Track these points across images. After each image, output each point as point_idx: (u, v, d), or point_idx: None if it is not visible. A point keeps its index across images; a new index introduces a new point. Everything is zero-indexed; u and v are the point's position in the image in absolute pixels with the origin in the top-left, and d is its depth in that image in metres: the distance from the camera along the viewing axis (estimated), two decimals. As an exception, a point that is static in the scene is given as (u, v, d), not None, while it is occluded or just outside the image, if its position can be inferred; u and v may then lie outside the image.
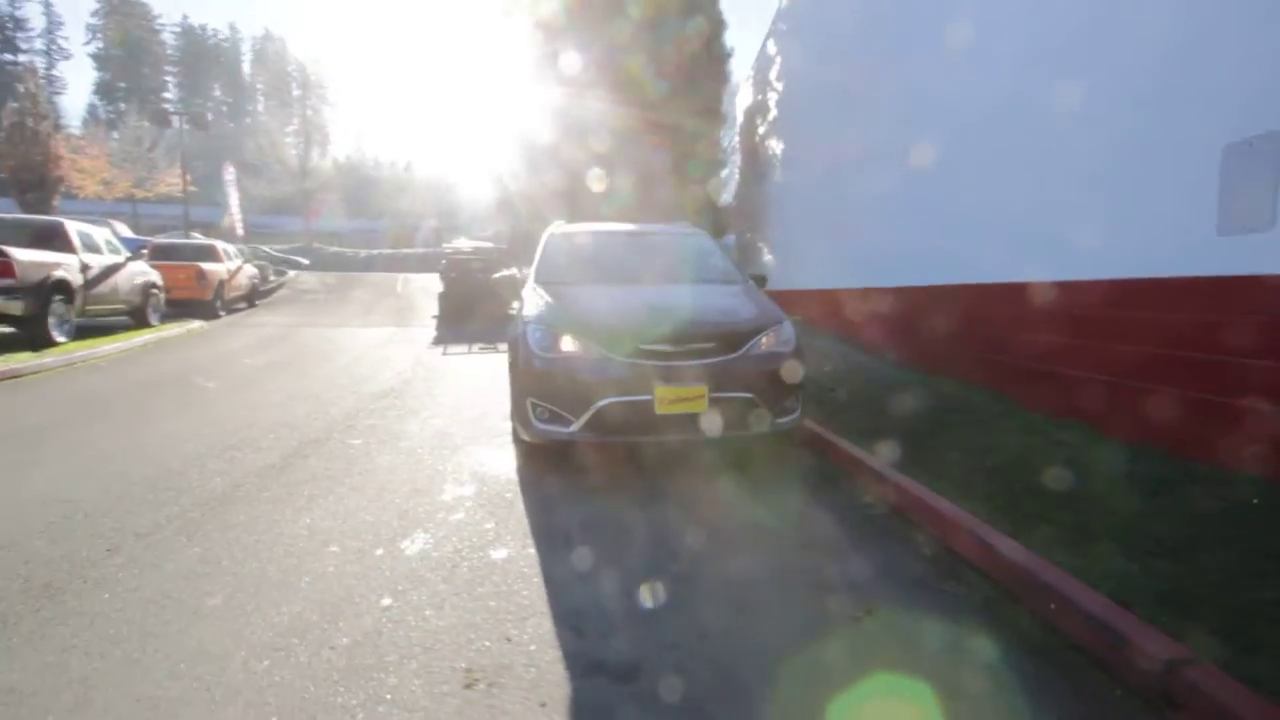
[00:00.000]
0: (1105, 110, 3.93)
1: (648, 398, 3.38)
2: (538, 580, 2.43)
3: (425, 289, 21.39)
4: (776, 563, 2.62)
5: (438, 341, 10.72)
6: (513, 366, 3.77)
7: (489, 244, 18.92)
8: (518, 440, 3.95)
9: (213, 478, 3.56)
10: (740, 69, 16.33)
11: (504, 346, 10.11)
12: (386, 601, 2.25)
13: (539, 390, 3.55)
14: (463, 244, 17.53)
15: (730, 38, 15.64)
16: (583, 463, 3.82)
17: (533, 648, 1.97)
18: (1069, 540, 2.36)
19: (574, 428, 3.47)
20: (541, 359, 3.58)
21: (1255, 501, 2.55)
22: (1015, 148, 4.93)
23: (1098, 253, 3.92)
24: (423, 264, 33.79)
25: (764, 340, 3.60)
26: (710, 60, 14.94)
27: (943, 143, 6.18)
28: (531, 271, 4.59)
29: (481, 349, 9.86)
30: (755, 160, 15.23)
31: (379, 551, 2.67)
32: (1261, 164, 2.78)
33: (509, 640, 2.01)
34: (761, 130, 14.82)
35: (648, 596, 2.27)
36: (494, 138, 18.33)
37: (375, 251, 36.71)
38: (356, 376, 7.01)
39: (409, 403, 5.68)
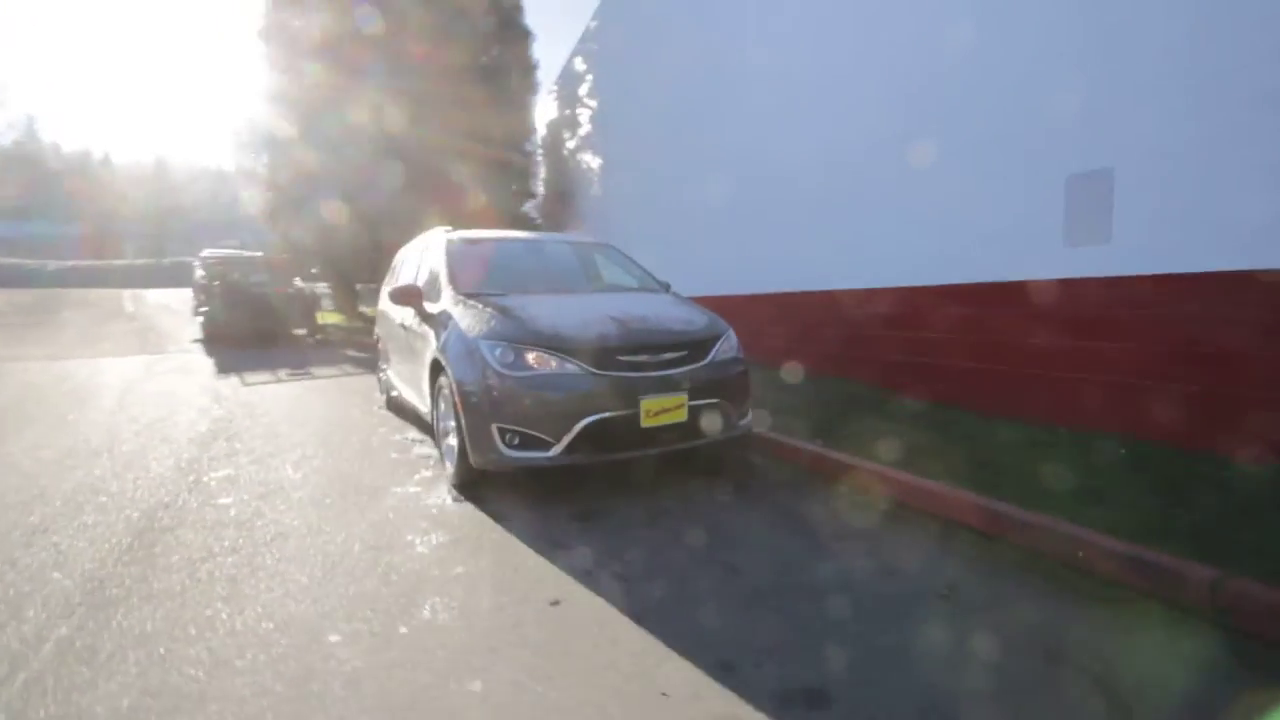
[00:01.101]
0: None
1: (633, 411, 3.19)
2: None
3: (168, 307, 17.64)
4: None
5: (224, 370, 8.88)
6: (463, 391, 3.26)
7: (251, 252, 16.27)
8: (467, 470, 3.41)
9: (49, 580, 2.49)
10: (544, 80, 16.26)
11: (319, 371, 8.88)
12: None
13: (507, 413, 3.13)
14: (227, 252, 14.80)
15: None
16: (552, 484, 3.47)
17: None
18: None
19: (555, 451, 3.13)
20: (508, 378, 3.16)
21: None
22: (883, 183, 5.70)
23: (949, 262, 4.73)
24: (151, 277, 27.70)
25: (722, 346, 3.64)
26: (519, 72, 14.68)
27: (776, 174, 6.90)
28: (444, 281, 4.04)
29: (291, 375, 8.41)
30: (563, 173, 15.35)
31: (402, 630, 2.12)
32: (1100, 192, 3.62)
33: None
34: (571, 144, 14.99)
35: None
36: (254, 133, 15.75)
37: (70, 263, 29.24)
38: (147, 420, 5.48)
39: (254, 444, 4.61)
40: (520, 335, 3.29)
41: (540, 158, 16.07)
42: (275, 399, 6.70)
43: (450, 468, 3.60)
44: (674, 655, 1.93)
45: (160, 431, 5.01)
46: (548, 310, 3.57)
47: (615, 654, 1.95)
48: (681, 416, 3.33)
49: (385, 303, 5.69)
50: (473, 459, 3.29)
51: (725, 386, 3.52)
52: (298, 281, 13.88)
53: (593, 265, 4.74)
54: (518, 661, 1.91)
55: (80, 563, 2.62)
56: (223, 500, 3.41)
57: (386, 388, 5.78)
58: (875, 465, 3.48)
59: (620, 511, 3.20)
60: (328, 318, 15.26)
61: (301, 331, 13.95)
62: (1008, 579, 2.45)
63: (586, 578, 2.47)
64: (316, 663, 1.92)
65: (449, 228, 4.89)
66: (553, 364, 3.18)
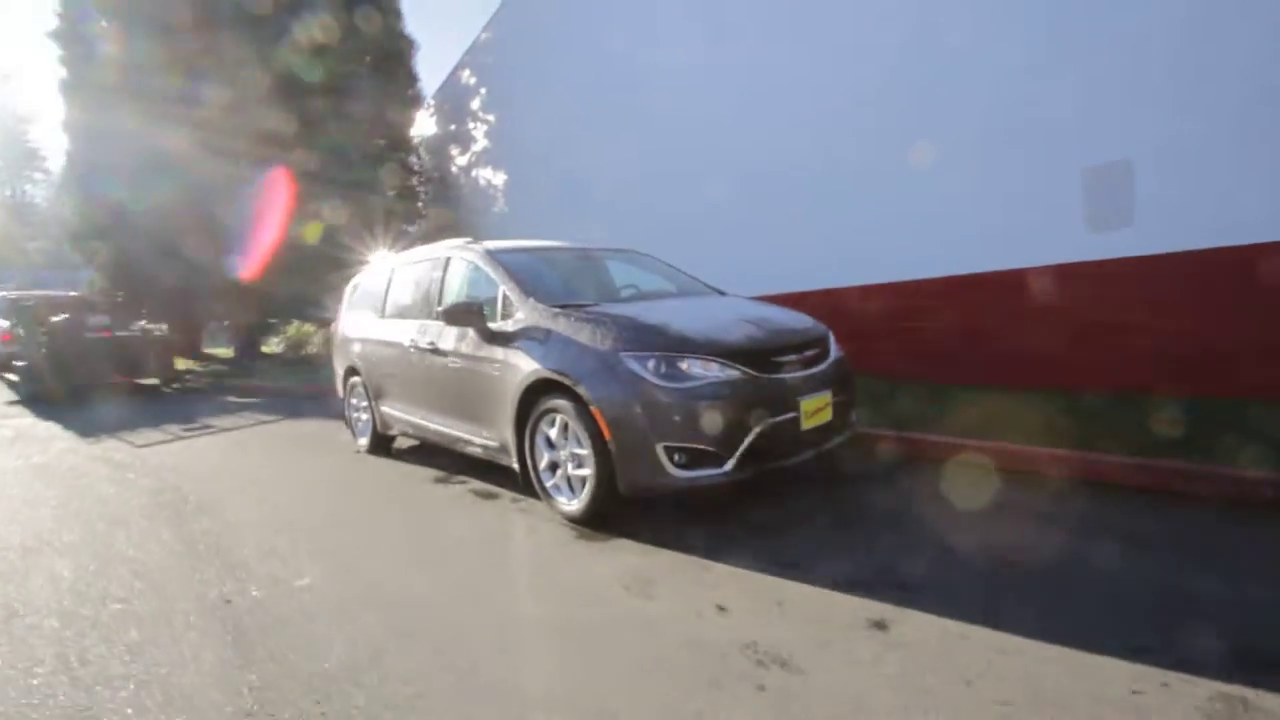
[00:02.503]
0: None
1: (795, 414, 3.01)
2: None
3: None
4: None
5: (85, 433, 7.16)
6: (611, 412, 2.81)
7: (68, 292, 13.56)
8: (604, 499, 2.98)
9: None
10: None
11: (218, 423, 7.41)
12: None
13: (675, 430, 2.78)
14: (42, 294, 12.10)
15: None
16: (662, 510, 3.12)
17: None
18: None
19: (729, 465, 2.83)
20: (672, 391, 2.81)
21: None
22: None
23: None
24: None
25: (833, 343, 3.57)
26: (401, 80, 13.63)
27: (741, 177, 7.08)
28: (515, 294, 3.54)
29: (187, 430, 6.99)
30: (450, 192, 14.51)
31: None
32: (1120, 180, 4.11)
33: None
34: (463, 160, 14.24)
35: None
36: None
37: None
38: (77, 508, 4.22)
39: (251, 538, 3.71)
40: (670, 344, 2.96)
41: (419, 178, 14.97)
42: (201, 460, 5.48)
43: (571, 502, 3.14)
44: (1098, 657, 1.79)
45: (79, 527, 3.86)
46: (672, 316, 3.26)
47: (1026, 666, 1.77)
48: (828, 416, 3.21)
49: (374, 331, 4.91)
50: (624, 485, 2.89)
51: (845, 383, 3.45)
52: (144, 323, 11.65)
53: (651, 271, 4.44)
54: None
55: None
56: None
57: (381, 427, 4.97)
58: (986, 442, 3.59)
59: (785, 520, 2.98)
60: (178, 363, 12.91)
61: (152, 381, 11.72)
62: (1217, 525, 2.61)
63: (871, 591, 2.24)
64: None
65: (469, 239, 4.34)
66: (715, 370, 2.90)
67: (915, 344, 5.52)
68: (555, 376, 3.08)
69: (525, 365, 3.27)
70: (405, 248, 13.95)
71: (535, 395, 3.27)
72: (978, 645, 1.87)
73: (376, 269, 5.35)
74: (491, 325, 3.58)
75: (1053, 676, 1.70)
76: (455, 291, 4.15)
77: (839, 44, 6.40)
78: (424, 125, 15.05)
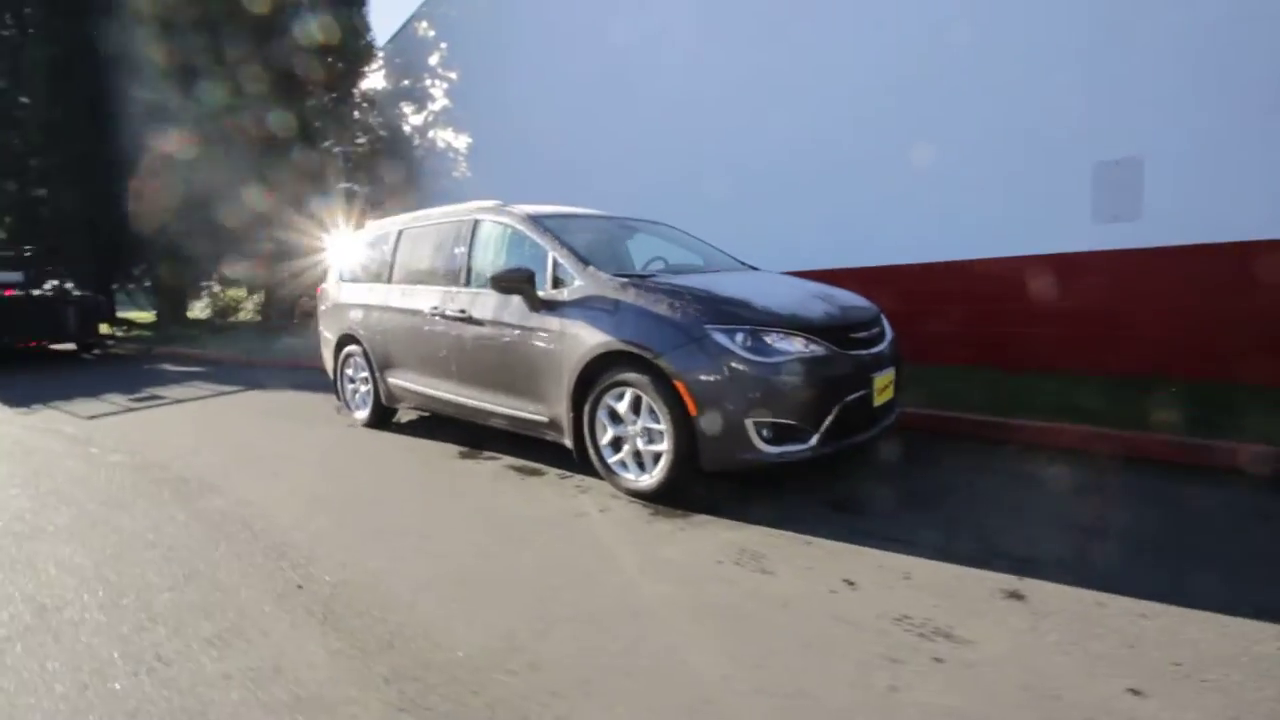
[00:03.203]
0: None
1: (868, 390, 3.03)
2: None
3: None
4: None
5: (14, 403, 6.43)
6: (697, 386, 2.73)
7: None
8: (681, 475, 2.92)
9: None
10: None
11: (168, 393, 6.74)
12: None
13: (765, 405, 2.74)
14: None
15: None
16: (726, 487, 3.09)
17: None
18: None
19: (814, 440, 2.82)
20: (763, 365, 2.75)
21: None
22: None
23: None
24: None
25: (886, 323, 3.62)
26: (349, 26, 12.63)
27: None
28: (568, 262, 3.37)
29: (136, 401, 6.37)
30: (402, 150, 13.73)
31: None
32: (1129, 176, 4.34)
33: None
34: (418, 120, 13.48)
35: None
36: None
37: None
38: (14, 487, 3.75)
39: (283, 518, 3.41)
40: (756, 318, 2.89)
41: (361, 134, 14.02)
42: (174, 433, 5.01)
43: (641, 478, 3.05)
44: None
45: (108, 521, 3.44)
46: (746, 290, 3.19)
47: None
48: (891, 394, 3.26)
49: (380, 297, 4.58)
50: (708, 461, 2.83)
51: (899, 362, 3.51)
52: (57, 283, 10.46)
53: (689, 243, 4.32)
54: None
55: None
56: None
57: (386, 399, 4.66)
58: (1036, 422, 3.72)
59: (860, 495, 3.00)
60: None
61: (68, 346, 10.60)
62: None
63: (984, 563, 2.28)
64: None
65: (498, 201, 4.09)
66: (801, 346, 2.86)
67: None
68: (631, 349, 2.96)
69: (590, 337, 3.13)
70: (356, 210, 13.17)
71: (599, 368, 3.14)
72: (1119, 611, 1.95)
73: (376, 231, 4.98)
74: (541, 294, 3.40)
75: (1203, 638, 1.80)
76: (488, 257, 3.92)
77: (836, 30, 6.41)
78: (373, 79, 14.11)
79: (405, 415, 5.11)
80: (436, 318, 4.02)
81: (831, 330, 3.00)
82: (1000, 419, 3.87)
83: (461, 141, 12.34)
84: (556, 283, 3.41)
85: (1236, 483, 3.04)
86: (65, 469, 4.05)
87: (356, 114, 13.06)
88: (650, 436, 3.02)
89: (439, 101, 12.88)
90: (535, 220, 3.70)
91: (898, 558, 2.37)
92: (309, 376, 7.72)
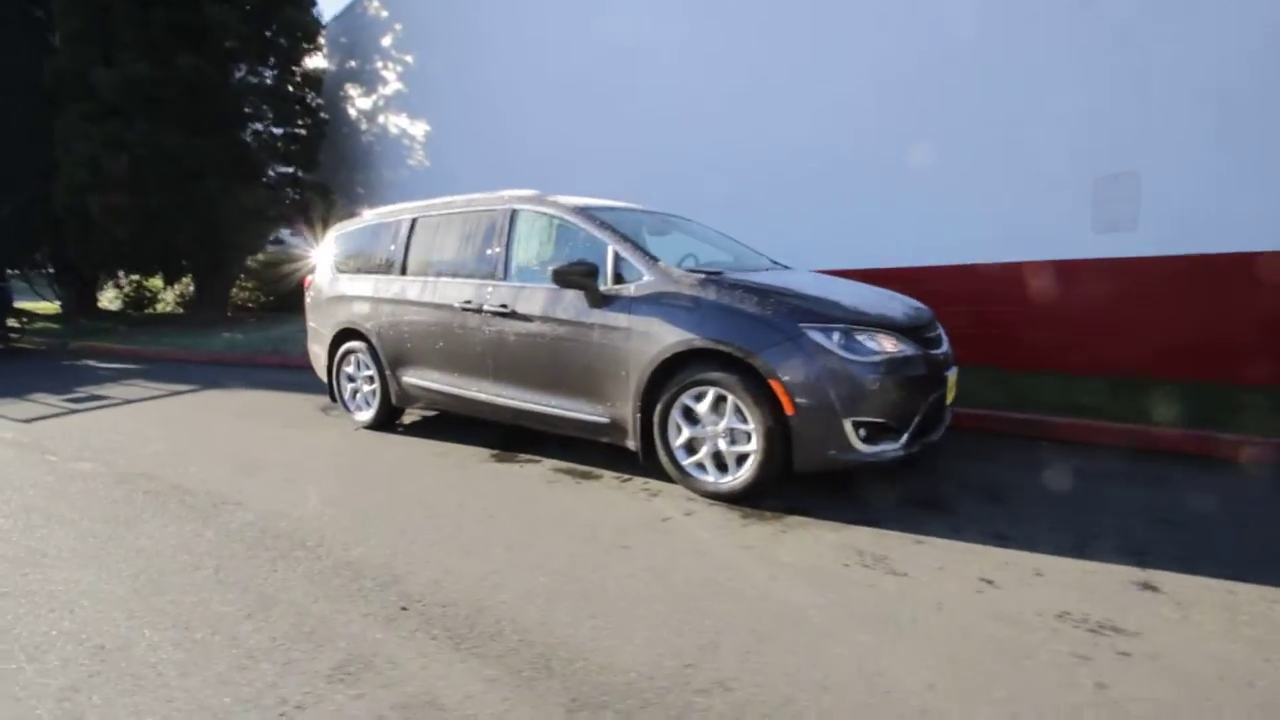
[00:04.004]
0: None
1: (944, 390, 3.07)
2: None
3: None
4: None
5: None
6: (794, 386, 2.67)
7: None
8: (767, 478, 2.85)
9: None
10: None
11: (111, 395, 5.99)
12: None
13: (863, 404, 2.70)
14: None
15: None
16: (789, 489, 3.06)
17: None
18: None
19: (904, 440, 2.83)
20: (861, 364, 2.72)
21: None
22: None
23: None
24: None
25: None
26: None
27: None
28: (631, 256, 3.22)
29: (75, 403, 5.68)
30: (346, 140, 12.99)
31: None
32: (1126, 189, 4.64)
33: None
34: (366, 104, 12.78)
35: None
36: None
37: None
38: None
39: (333, 534, 3.09)
40: (848, 317, 2.86)
41: (305, 116, 13.12)
42: (142, 438, 4.47)
43: (722, 479, 2.96)
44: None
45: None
46: (821, 289, 3.16)
47: None
48: (955, 392, 3.33)
49: (393, 290, 4.25)
50: (803, 461, 2.77)
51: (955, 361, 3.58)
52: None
53: (699, 241, 4.23)
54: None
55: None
56: None
57: (397, 399, 4.34)
58: (1081, 420, 3.88)
59: (944, 492, 3.04)
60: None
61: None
62: None
63: (1103, 556, 2.32)
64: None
65: (535, 191, 3.88)
66: (890, 345, 2.86)
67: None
68: (719, 347, 2.87)
69: (667, 335, 3.01)
70: (298, 195, 12.25)
71: (675, 368, 3.03)
72: (1254, 598, 2.05)
73: (378, 219, 4.64)
74: (603, 289, 3.25)
75: (1343, 622, 1.92)
76: (532, 249, 3.72)
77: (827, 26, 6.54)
78: (315, 59, 13.20)
79: (407, 416, 4.79)
80: (470, 313, 3.77)
81: (912, 330, 3.02)
82: (1046, 417, 4.01)
83: (419, 128, 11.77)
84: (620, 278, 3.26)
85: (1253, 474, 3.30)
86: (30, 480, 3.52)
87: (298, 92, 12.15)
88: (733, 437, 2.94)
89: (391, 85, 12.23)
90: (587, 212, 3.53)
91: (1016, 554, 2.41)
92: (270, 374, 7.14)
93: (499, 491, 3.25)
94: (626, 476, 3.39)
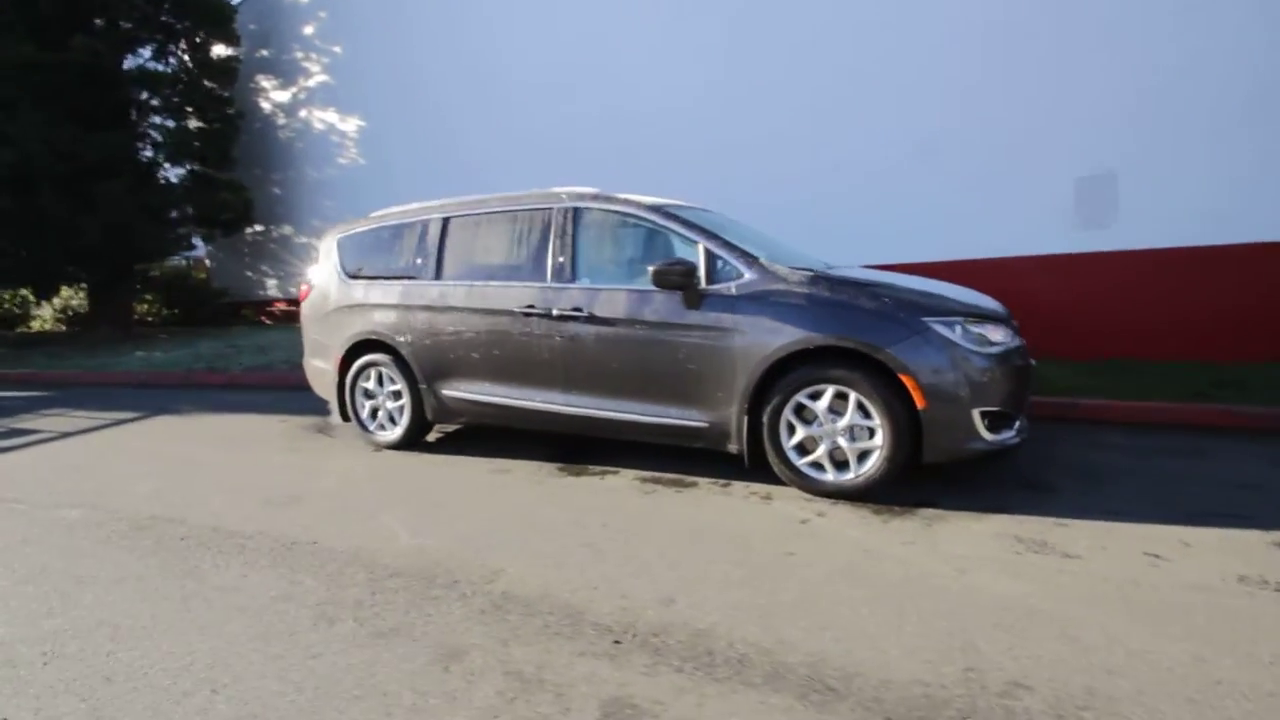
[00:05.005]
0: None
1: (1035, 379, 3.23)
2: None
3: None
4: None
5: None
6: (926, 380, 2.70)
7: None
8: (894, 470, 2.85)
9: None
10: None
11: (38, 428, 5.04)
12: None
13: (986, 395, 2.78)
14: None
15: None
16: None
17: None
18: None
19: (1017, 426, 2.94)
20: (986, 356, 2.80)
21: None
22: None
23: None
24: None
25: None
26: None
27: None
28: (733, 255, 3.14)
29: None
30: (261, 129, 11.92)
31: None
32: (1105, 188, 5.10)
33: None
34: (283, 96, 11.79)
35: None
36: None
37: None
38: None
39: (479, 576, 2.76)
40: (964, 309, 2.93)
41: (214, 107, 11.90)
42: (121, 478, 3.84)
43: (842, 476, 2.94)
44: None
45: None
46: (916, 283, 3.23)
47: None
48: (1030, 379, 3.50)
49: (429, 296, 3.91)
50: (933, 453, 2.79)
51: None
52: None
53: (754, 237, 4.20)
54: None
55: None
56: None
57: (434, 414, 3.98)
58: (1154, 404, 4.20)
59: (1041, 477, 3.16)
60: None
61: None
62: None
63: (1227, 522, 2.50)
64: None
65: (596, 190, 3.69)
66: (1001, 336, 2.95)
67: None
68: (843, 343, 2.85)
69: (782, 333, 2.95)
70: (210, 195, 10.97)
71: (789, 367, 2.98)
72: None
73: (397, 219, 4.25)
74: (702, 289, 3.15)
75: None
76: (604, 250, 3.56)
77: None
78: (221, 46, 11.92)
79: (427, 435, 4.41)
80: (534, 318, 3.53)
81: (1007, 321, 3.15)
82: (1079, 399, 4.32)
83: (351, 124, 10.98)
84: (715, 277, 3.17)
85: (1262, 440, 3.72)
86: (16, 536, 2.91)
87: (207, 82, 10.91)
88: (852, 434, 2.93)
89: (316, 77, 11.32)
90: (665, 210, 3.41)
91: (1150, 528, 2.55)
92: (222, 396, 6.39)
93: (601, 505, 3.05)
94: (724, 481, 3.30)
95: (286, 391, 6.46)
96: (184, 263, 13.51)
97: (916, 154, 6.01)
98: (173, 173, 10.54)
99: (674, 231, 3.33)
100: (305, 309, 4.55)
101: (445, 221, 4.00)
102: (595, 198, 3.58)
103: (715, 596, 2.17)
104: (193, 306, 12.01)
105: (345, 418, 4.34)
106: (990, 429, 2.84)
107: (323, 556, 2.59)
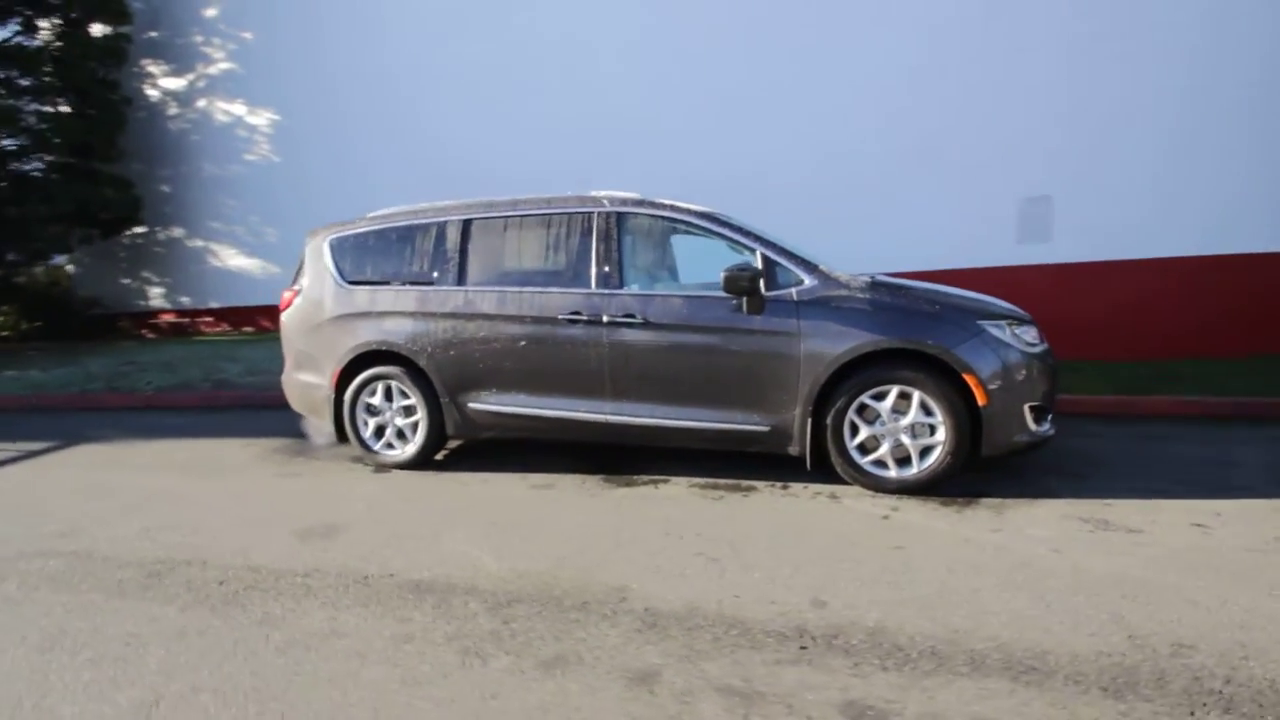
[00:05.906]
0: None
1: (1054, 376, 3.56)
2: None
3: None
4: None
5: None
6: (984, 378, 2.90)
7: None
8: (955, 465, 3.04)
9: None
10: None
11: None
12: None
13: (1034, 390, 3.04)
14: None
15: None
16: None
17: None
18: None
19: (1050, 418, 3.22)
20: (1032, 354, 3.06)
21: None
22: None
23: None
24: None
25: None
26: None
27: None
28: (791, 261, 3.21)
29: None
30: (147, 120, 10.65)
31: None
32: (1044, 208, 5.75)
33: None
34: (176, 85, 10.61)
35: None
36: None
37: None
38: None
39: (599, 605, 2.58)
40: (1004, 313, 3.19)
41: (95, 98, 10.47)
42: (117, 514, 3.27)
43: (906, 472, 3.08)
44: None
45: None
46: (945, 288, 3.46)
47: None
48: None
49: (452, 303, 3.66)
50: (991, 446, 2.99)
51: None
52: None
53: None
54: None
55: None
56: None
57: (455, 429, 3.73)
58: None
59: (1070, 466, 3.45)
60: None
61: None
62: None
63: (1265, 493, 2.91)
64: None
65: (631, 193, 3.65)
66: (1036, 336, 3.24)
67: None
68: (910, 346, 3.00)
69: (849, 336, 3.06)
70: (91, 192, 9.54)
71: (853, 370, 3.10)
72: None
73: (404, 220, 3.96)
74: (766, 294, 3.21)
75: None
76: (650, 254, 3.56)
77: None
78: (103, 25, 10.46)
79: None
80: (580, 325, 3.42)
81: (1033, 324, 3.46)
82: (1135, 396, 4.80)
83: (262, 117, 10.04)
84: (774, 283, 3.24)
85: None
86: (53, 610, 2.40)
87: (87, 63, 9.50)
88: (914, 432, 3.09)
89: (218, 65, 10.25)
90: (716, 217, 3.44)
91: (1187, 503, 2.91)
92: (142, 419, 5.62)
93: (675, 514, 3.01)
94: (782, 484, 3.36)
95: (223, 412, 5.79)
96: (41, 268, 11.68)
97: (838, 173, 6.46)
98: (41, 165, 9.08)
99: (726, 238, 3.37)
100: (288, 319, 4.11)
101: (466, 224, 3.78)
102: (639, 203, 3.53)
103: (860, 594, 2.21)
104: (59, 319, 10.39)
105: (342, 438, 3.96)
106: (1035, 422, 3.11)
107: (412, 589, 2.35)
